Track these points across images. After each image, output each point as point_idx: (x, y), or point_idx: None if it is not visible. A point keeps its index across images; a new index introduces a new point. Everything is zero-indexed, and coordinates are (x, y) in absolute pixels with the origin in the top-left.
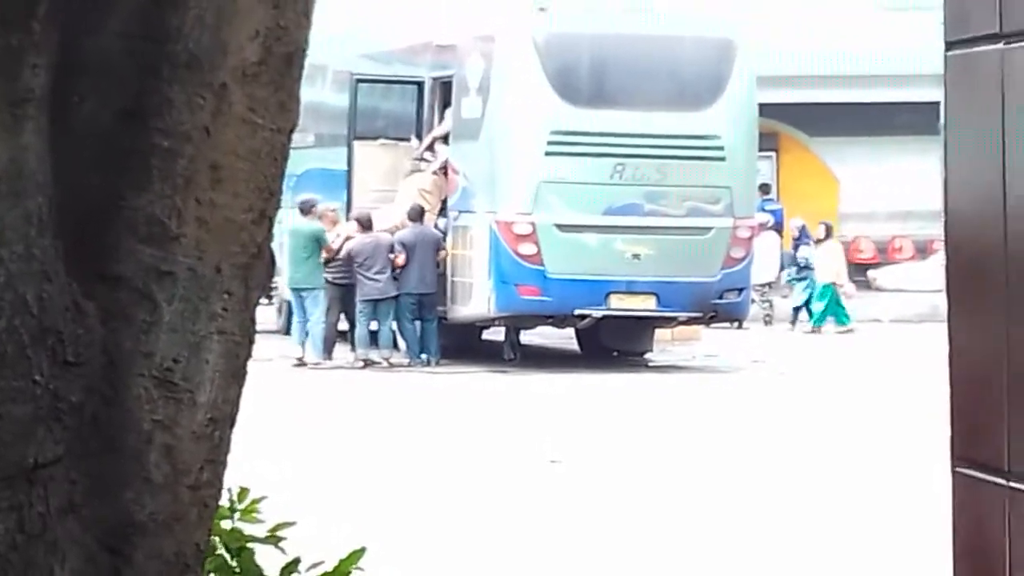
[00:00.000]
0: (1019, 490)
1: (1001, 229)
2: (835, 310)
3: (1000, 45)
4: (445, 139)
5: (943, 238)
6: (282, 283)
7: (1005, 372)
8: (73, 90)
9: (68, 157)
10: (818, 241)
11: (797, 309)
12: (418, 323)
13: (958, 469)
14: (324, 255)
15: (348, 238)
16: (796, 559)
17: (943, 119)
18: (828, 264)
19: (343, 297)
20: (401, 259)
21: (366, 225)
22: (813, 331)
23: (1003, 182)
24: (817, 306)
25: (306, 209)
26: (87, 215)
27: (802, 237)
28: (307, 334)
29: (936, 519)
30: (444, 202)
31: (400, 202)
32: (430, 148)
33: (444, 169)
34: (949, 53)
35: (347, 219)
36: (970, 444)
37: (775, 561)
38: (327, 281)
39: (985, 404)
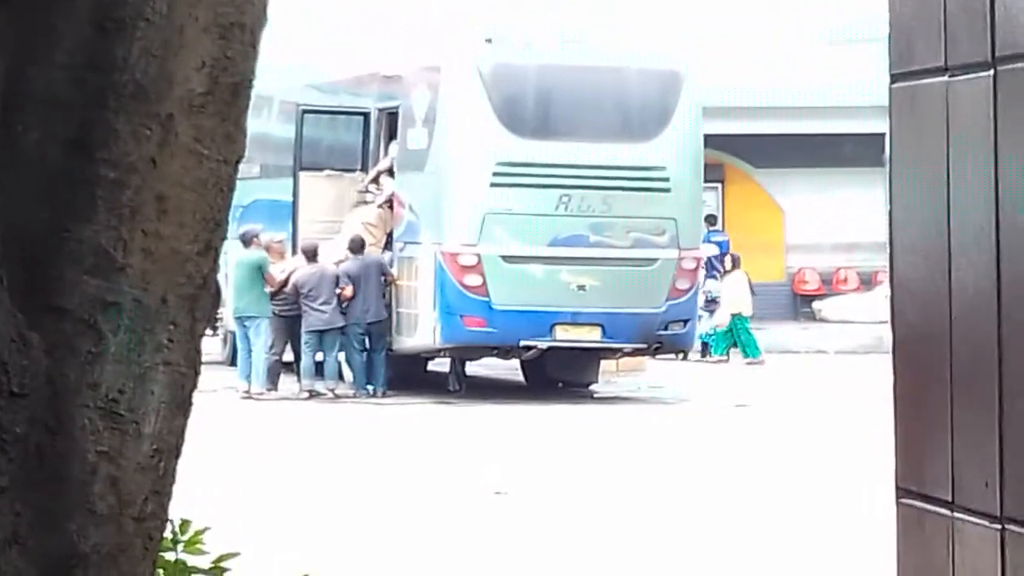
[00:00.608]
0: (963, 520)
1: (945, 261)
2: (745, 340)
3: (945, 78)
4: (391, 172)
5: (888, 269)
6: (227, 314)
7: (949, 403)
8: (18, 120)
9: (13, 188)
10: (725, 272)
11: (704, 341)
12: (364, 354)
13: (902, 500)
14: (267, 286)
15: (293, 271)
16: None
17: (888, 151)
18: (733, 295)
19: (288, 328)
20: (348, 291)
21: (312, 256)
22: (719, 360)
23: (947, 213)
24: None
25: (247, 240)
26: (32, 246)
27: (709, 270)
28: (251, 365)
29: (880, 549)
30: (390, 235)
31: (345, 235)
32: (375, 181)
33: (389, 202)
34: (894, 85)
35: (293, 250)
36: (914, 475)
37: None
38: (273, 313)
39: (929, 435)
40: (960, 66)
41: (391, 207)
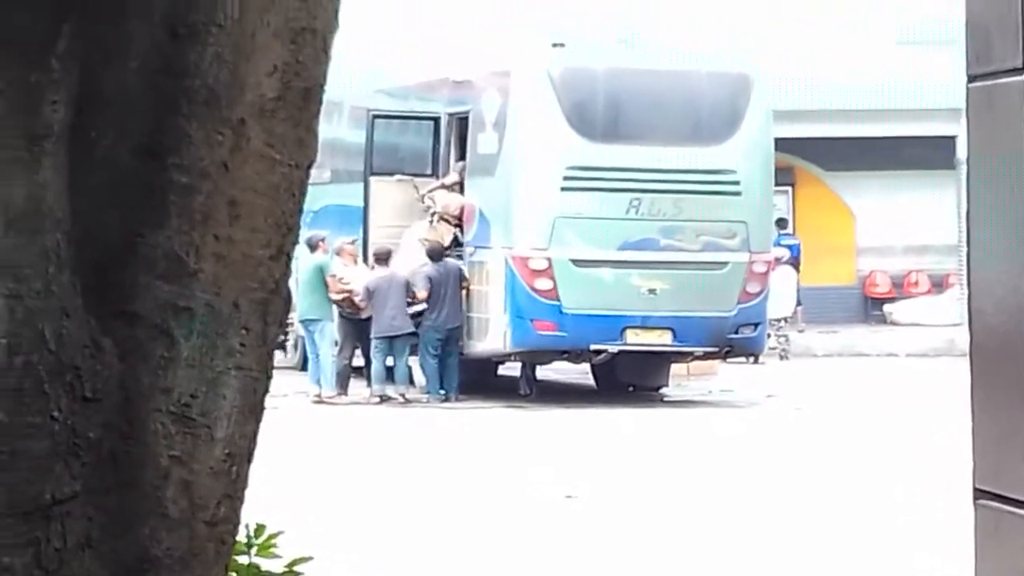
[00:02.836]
0: None
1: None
2: None
3: (1023, 77)
4: (455, 185)
5: (963, 271)
6: (296, 319)
7: None
8: (91, 125)
9: (86, 193)
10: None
11: None
12: (437, 359)
13: (980, 502)
14: (329, 291)
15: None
16: None
17: (966, 151)
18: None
19: (358, 331)
20: (422, 293)
21: (384, 260)
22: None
23: None
24: None
25: (313, 245)
26: (105, 251)
27: None
28: (320, 369)
29: (959, 553)
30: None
31: (405, 250)
32: (432, 193)
33: (440, 216)
34: (971, 85)
35: (364, 255)
36: (992, 476)
37: None
38: (341, 315)
39: (1008, 435)
40: None
41: (445, 220)
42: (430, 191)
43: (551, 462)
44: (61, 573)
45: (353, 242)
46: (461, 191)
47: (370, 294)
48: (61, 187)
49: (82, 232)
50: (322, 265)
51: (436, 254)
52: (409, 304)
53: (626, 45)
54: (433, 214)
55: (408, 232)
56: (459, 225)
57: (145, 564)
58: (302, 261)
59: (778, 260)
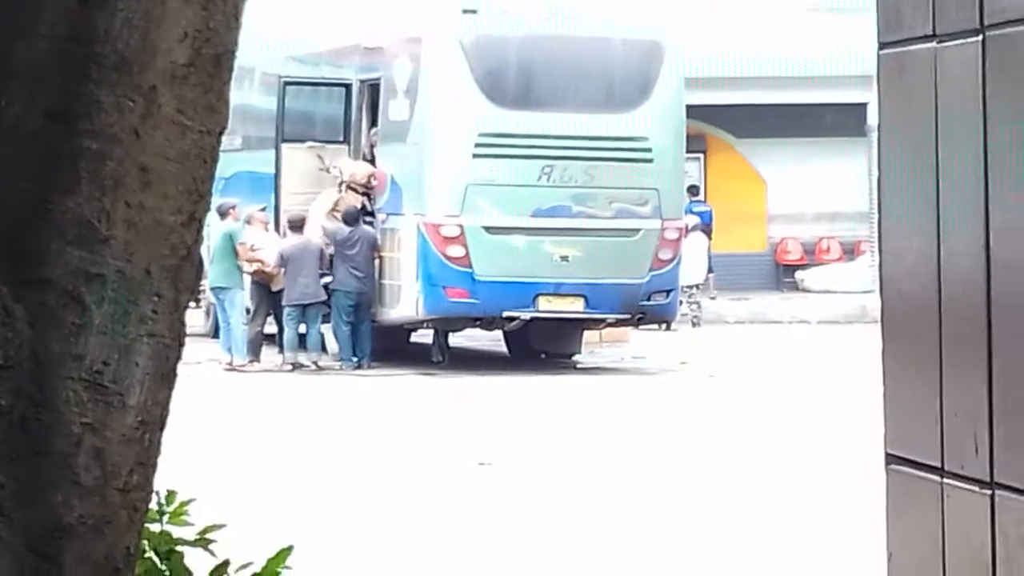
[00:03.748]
0: (953, 485)
1: (934, 227)
2: None
3: (933, 44)
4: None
5: (874, 238)
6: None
7: (938, 369)
8: (1, 92)
9: None
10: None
11: None
12: (350, 326)
13: (892, 467)
14: (239, 258)
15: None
16: (730, 559)
17: (877, 118)
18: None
19: (270, 299)
20: (330, 251)
21: (298, 228)
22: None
23: (936, 180)
24: None
25: (223, 212)
26: (15, 218)
27: None
28: (231, 337)
29: (870, 516)
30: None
31: (312, 220)
32: (338, 164)
33: (348, 185)
34: (882, 52)
35: (275, 222)
36: (904, 441)
37: (710, 561)
38: (254, 282)
39: (919, 401)
40: (948, 33)
41: (352, 189)
42: (335, 163)
43: (464, 429)
44: None
45: (263, 209)
46: (372, 160)
47: (284, 261)
48: None
49: None
50: (232, 232)
51: (352, 219)
52: (322, 275)
53: (538, 12)
54: (341, 183)
55: (315, 202)
56: (367, 194)
57: (58, 532)
58: (213, 228)
59: (689, 227)
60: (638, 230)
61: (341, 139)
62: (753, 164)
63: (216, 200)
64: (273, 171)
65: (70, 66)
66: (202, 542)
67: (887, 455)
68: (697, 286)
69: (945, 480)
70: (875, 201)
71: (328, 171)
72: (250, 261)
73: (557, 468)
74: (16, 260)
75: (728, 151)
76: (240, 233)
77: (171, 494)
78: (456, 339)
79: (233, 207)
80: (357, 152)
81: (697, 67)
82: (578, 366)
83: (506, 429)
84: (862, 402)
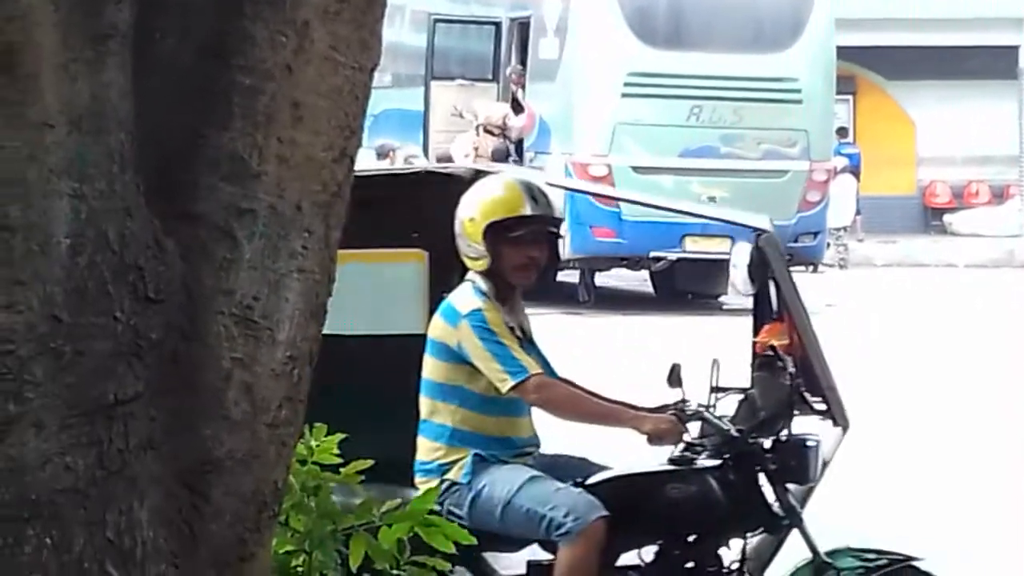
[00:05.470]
0: None
1: None
2: None
3: None
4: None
5: (1022, 183)
6: None
7: None
8: (155, 26)
9: (149, 94)
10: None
11: None
12: None
13: None
14: None
15: None
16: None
17: None
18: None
19: None
20: None
21: (446, 163)
22: None
23: None
24: None
25: (383, 154)
26: (167, 152)
27: None
28: None
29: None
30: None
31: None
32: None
33: (484, 127)
34: None
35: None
36: None
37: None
38: None
39: None
40: None
41: (488, 132)
42: (468, 106)
43: (609, 369)
44: (123, 473)
45: (417, 157)
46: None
47: None
48: (125, 87)
49: (145, 133)
50: None
51: (501, 158)
52: None
53: None
54: (477, 127)
55: (453, 146)
56: (503, 135)
57: (206, 465)
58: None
59: (838, 169)
60: (786, 171)
61: (490, 77)
62: (903, 106)
63: (376, 141)
64: (422, 108)
65: (224, 1)
66: (350, 478)
67: None
68: (845, 228)
69: None
70: None
71: (461, 116)
72: None
73: None
74: (168, 194)
75: (878, 93)
76: None
77: (319, 428)
78: (602, 278)
79: (393, 150)
80: (505, 91)
81: (848, 7)
82: (724, 307)
83: (650, 370)
84: (1013, 350)
